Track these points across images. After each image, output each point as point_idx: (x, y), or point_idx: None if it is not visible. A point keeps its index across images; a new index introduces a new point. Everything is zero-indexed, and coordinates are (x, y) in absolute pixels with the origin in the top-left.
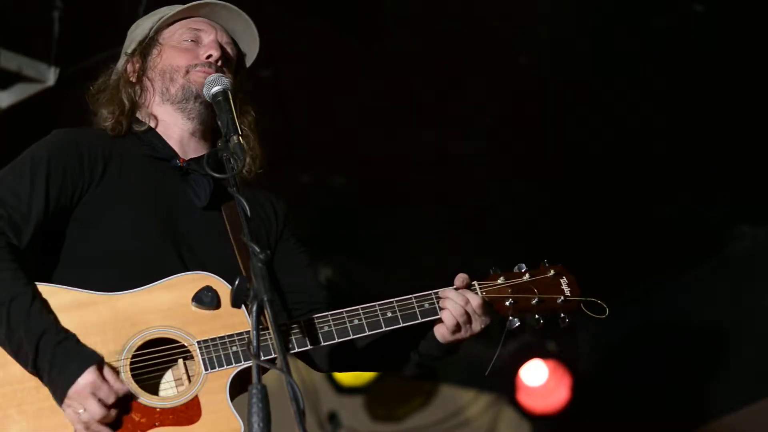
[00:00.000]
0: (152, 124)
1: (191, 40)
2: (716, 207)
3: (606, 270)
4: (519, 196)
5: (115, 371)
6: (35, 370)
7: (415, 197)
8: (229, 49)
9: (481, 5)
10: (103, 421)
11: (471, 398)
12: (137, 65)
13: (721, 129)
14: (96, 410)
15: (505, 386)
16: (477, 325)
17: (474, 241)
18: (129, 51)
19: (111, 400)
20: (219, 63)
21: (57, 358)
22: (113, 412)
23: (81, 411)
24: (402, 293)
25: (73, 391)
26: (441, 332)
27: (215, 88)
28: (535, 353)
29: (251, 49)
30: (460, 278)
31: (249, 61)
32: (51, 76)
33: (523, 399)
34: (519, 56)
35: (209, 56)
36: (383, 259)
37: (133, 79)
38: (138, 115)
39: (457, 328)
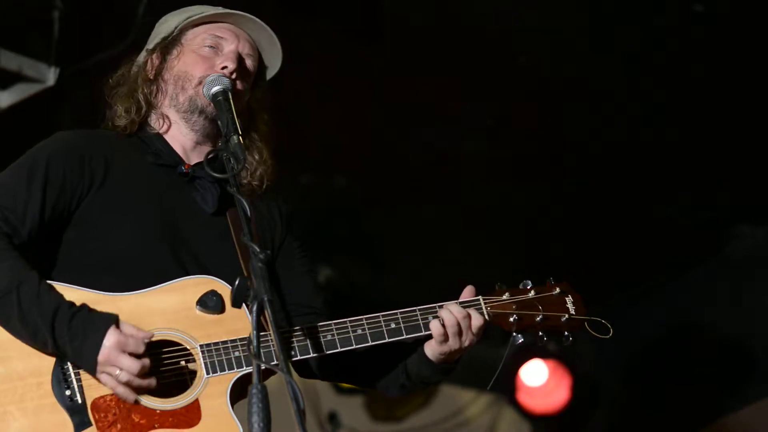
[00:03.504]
0: (163, 128)
1: (211, 47)
2: (716, 207)
3: (606, 270)
4: (519, 196)
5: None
6: (56, 348)
7: (415, 197)
8: (249, 62)
9: (481, 5)
10: (141, 374)
11: (471, 398)
12: (156, 62)
13: (721, 129)
14: (132, 365)
15: (505, 386)
16: (466, 341)
17: (474, 241)
18: (151, 46)
19: (141, 349)
20: (233, 75)
21: (75, 332)
22: (146, 360)
23: (117, 372)
24: (402, 293)
25: (101, 357)
26: (431, 346)
27: (215, 88)
28: (535, 353)
29: (274, 63)
30: (469, 290)
31: (270, 74)
32: (51, 76)
33: (523, 399)
34: (519, 56)
35: (224, 67)
36: (383, 259)
37: (151, 77)
38: (153, 115)
39: (445, 338)
